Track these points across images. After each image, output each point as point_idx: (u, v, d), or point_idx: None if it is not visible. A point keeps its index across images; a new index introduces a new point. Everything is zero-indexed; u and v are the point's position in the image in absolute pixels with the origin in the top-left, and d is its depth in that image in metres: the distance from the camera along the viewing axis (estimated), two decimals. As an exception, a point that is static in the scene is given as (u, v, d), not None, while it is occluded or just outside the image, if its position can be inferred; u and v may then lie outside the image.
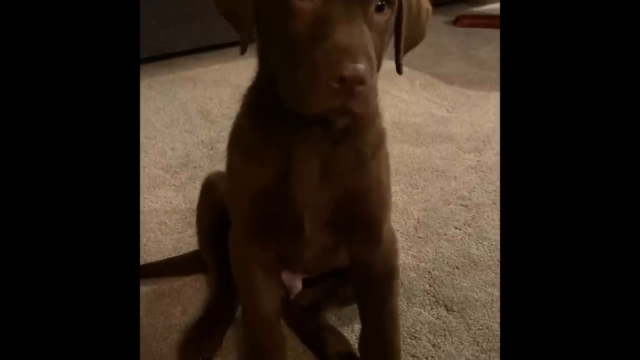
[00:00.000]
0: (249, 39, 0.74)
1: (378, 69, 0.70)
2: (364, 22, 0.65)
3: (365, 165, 0.80)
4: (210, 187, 1.10)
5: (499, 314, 1.08)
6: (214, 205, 1.06)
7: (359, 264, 0.90)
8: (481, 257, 1.24)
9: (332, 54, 0.61)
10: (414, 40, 0.81)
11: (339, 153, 0.78)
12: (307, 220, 0.80)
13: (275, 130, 0.76)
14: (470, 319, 1.07)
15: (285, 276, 1.03)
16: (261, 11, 0.70)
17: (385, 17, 0.69)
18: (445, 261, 1.23)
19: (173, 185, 1.53)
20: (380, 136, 0.83)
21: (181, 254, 1.23)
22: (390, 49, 0.76)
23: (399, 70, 0.80)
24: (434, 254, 1.25)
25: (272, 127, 0.76)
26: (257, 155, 0.79)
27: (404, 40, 0.77)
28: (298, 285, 1.09)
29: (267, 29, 0.71)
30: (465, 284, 1.16)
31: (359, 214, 0.83)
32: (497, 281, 1.16)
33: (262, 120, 0.78)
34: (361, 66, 0.61)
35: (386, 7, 0.69)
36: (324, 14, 0.64)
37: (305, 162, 0.77)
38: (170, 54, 2.40)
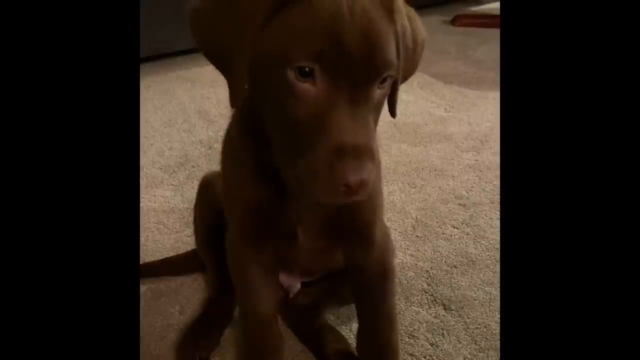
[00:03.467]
0: (240, 92, 0.65)
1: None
2: (368, 108, 0.62)
3: None
4: (207, 187, 1.10)
5: (497, 312, 1.08)
6: (212, 205, 1.06)
7: (354, 266, 0.90)
8: (479, 256, 1.24)
9: (336, 160, 0.59)
10: (407, 75, 0.76)
11: None
12: (300, 230, 0.81)
13: (266, 148, 0.73)
14: (468, 317, 1.07)
15: (283, 277, 1.03)
16: (257, 71, 0.64)
17: (385, 90, 0.66)
18: (443, 260, 1.23)
19: (171, 184, 1.53)
20: None
21: (179, 253, 1.23)
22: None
23: (393, 114, 0.75)
24: (432, 253, 1.25)
25: (262, 145, 0.73)
26: (249, 168, 0.78)
27: (400, 79, 0.72)
28: (297, 285, 1.09)
29: (261, 90, 0.66)
30: (463, 283, 1.16)
31: (351, 222, 0.83)
32: (495, 280, 1.17)
33: (252, 137, 0.76)
34: (366, 174, 0.60)
35: (388, 79, 0.65)
36: (327, 102, 0.60)
37: None
38: (168, 54, 2.39)
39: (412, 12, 0.73)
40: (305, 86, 0.61)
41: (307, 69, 0.60)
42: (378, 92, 0.64)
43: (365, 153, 0.60)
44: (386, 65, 0.63)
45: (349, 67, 0.60)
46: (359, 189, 0.60)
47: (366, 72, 0.61)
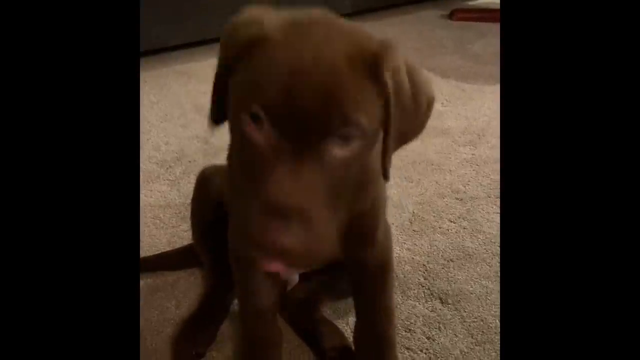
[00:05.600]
0: (213, 114, 0.69)
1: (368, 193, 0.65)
2: (319, 168, 0.58)
3: (366, 193, 0.78)
4: (205, 181, 1.10)
5: (493, 306, 1.08)
6: (209, 199, 1.06)
7: (353, 261, 0.90)
8: (476, 250, 1.24)
9: (264, 218, 0.56)
10: (408, 137, 0.70)
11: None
12: None
13: None
14: (465, 311, 1.08)
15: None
16: (230, 110, 0.64)
17: (351, 151, 0.60)
18: (440, 254, 1.23)
19: (167, 179, 1.52)
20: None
21: (175, 248, 1.23)
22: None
23: (385, 175, 0.69)
24: (429, 247, 1.26)
25: None
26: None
27: (394, 138, 0.65)
28: (294, 278, 1.09)
29: (231, 128, 0.66)
30: (459, 277, 1.16)
31: (354, 228, 0.82)
32: (492, 274, 1.17)
33: None
34: (290, 238, 0.56)
35: (353, 139, 0.59)
36: (271, 153, 0.58)
37: None
38: (163, 49, 2.38)
39: (416, 71, 0.68)
40: (255, 133, 0.59)
41: (258, 116, 0.58)
42: (339, 152, 0.59)
43: (294, 216, 0.56)
44: (344, 122, 0.58)
45: (297, 120, 0.57)
46: (287, 251, 0.56)
47: (317, 127, 0.57)
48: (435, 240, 1.28)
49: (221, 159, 0.89)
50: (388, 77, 0.61)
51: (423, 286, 1.14)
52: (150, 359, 0.98)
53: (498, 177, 1.47)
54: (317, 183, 0.58)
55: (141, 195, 1.44)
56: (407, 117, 0.66)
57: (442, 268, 1.19)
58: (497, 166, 1.52)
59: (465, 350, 1.00)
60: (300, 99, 0.56)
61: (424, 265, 1.20)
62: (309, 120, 0.57)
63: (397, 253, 1.22)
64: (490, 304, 1.09)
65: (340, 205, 0.63)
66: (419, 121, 0.71)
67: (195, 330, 1.01)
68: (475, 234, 1.29)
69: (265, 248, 0.57)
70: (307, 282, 1.08)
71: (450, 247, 1.25)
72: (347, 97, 0.58)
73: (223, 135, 0.85)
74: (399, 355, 0.95)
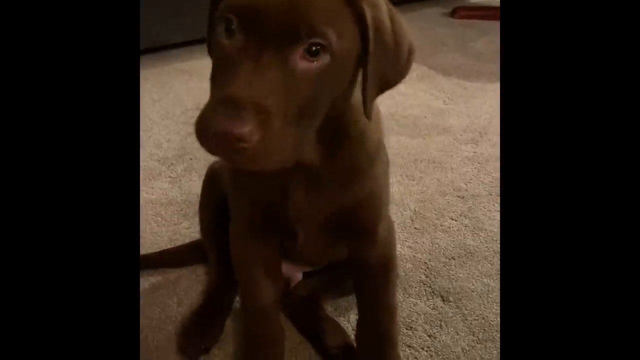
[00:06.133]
0: (209, 44, 0.73)
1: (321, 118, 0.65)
2: (281, 74, 0.58)
3: (358, 179, 0.78)
4: (213, 176, 1.10)
5: (494, 304, 1.08)
6: (217, 194, 1.06)
7: (355, 258, 0.90)
8: (477, 247, 1.24)
9: (215, 106, 0.57)
10: (389, 80, 0.69)
11: (328, 169, 0.75)
12: (300, 230, 0.81)
13: None
14: (466, 309, 1.08)
15: (285, 267, 1.03)
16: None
17: (318, 66, 0.60)
18: (442, 252, 1.23)
19: (169, 177, 1.52)
20: (377, 148, 0.80)
21: (177, 245, 1.23)
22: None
23: (367, 115, 0.68)
24: (430, 245, 1.26)
25: None
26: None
27: (373, 80, 0.65)
28: (298, 275, 1.09)
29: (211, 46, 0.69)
30: (461, 275, 1.16)
31: (354, 220, 0.82)
32: (493, 272, 1.17)
33: None
34: (236, 127, 0.55)
35: (322, 54, 0.59)
36: (237, 56, 0.59)
37: (295, 178, 0.75)
38: (165, 46, 2.38)
39: (399, 17, 0.69)
40: (225, 41, 0.61)
41: (231, 25, 0.60)
42: (304, 63, 0.59)
43: (245, 107, 0.56)
44: (311, 32, 0.58)
45: (264, 23, 0.58)
46: (229, 142, 0.56)
47: (283, 33, 0.58)
48: (437, 238, 1.27)
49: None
50: (367, 11, 0.62)
51: (424, 284, 1.14)
52: (152, 357, 0.98)
53: (499, 175, 1.47)
54: (278, 87, 0.58)
55: (143, 193, 1.44)
56: (387, 58, 0.66)
57: (444, 266, 1.19)
58: (499, 164, 1.52)
59: (467, 348, 1.00)
60: (268, 3, 0.58)
61: (425, 263, 1.20)
62: (275, 26, 0.58)
63: (398, 251, 1.22)
64: (491, 302, 1.09)
65: (306, 128, 0.63)
66: (400, 66, 0.69)
67: (203, 325, 1.01)
68: (476, 232, 1.29)
69: (211, 134, 0.57)
70: (309, 279, 1.09)
71: (451, 245, 1.25)
72: (316, 9, 0.59)
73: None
74: (400, 352, 0.96)
